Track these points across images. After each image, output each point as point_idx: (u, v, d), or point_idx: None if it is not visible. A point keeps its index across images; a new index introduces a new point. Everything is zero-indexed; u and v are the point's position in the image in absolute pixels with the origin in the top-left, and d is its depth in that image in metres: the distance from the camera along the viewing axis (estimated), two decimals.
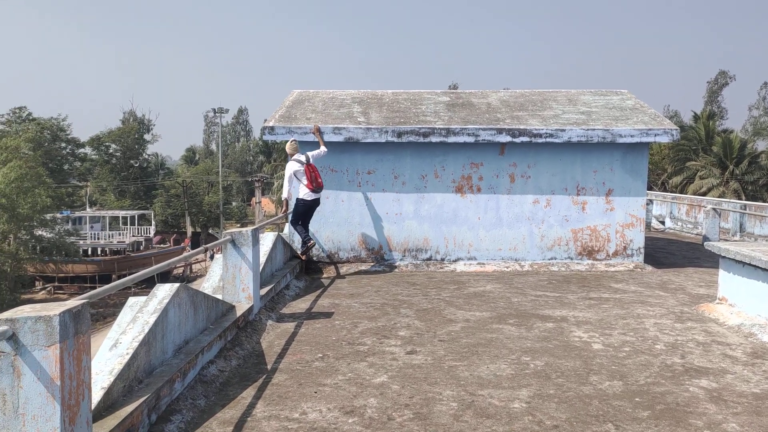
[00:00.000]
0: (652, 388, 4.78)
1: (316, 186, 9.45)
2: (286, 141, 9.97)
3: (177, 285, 4.76)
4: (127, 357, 3.89)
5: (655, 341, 6.03)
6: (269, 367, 5.30)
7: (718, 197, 37.03)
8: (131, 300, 5.57)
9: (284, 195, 9.87)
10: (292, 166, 9.59)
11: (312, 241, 9.73)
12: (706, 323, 6.75)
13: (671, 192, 43.01)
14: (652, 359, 5.48)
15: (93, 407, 3.40)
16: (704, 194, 41.51)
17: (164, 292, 4.63)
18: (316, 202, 9.72)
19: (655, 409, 4.38)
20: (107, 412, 3.57)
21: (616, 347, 5.83)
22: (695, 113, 54.37)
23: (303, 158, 9.54)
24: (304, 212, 9.70)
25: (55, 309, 2.97)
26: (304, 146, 9.98)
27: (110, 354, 3.96)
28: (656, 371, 5.17)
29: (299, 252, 9.94)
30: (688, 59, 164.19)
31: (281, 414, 4.27)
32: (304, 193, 9.55)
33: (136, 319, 4.34)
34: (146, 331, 4.18)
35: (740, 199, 39.32)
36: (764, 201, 40.49)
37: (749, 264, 6.43)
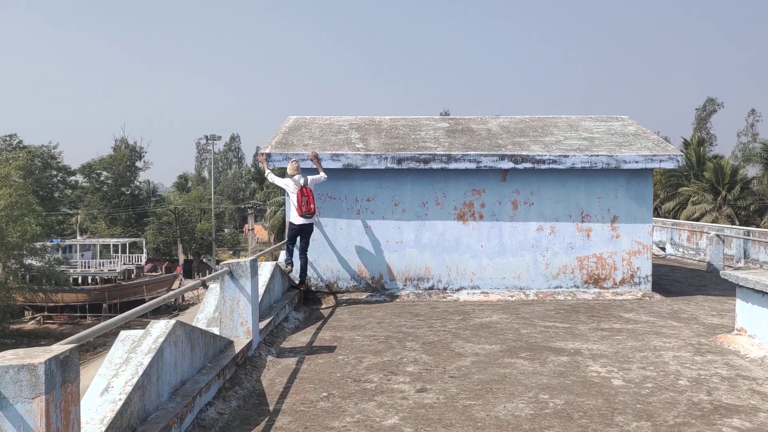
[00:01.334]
0: (683, 429, 4.48)
1: (305, 211, 9.20)
2: (284, 167, 9.75)
3: (173, 322, 4.44)
4: (120, 403, 3.56)
5: (677, 376, 5.73)
6: (271, 408, 4.95)
7: (712, 222, 37.03)
8: (123, 334, 5.23)
9: (269, 174, 9.76)
10: (287, 183, 9.38)
11: (289, 267, 9.53)
12: (727, 356, 6.46)
13: (665, 217, 43.03)
14: (677, 396, 5.18)
15: None
16: (697, 219, 41.54)
17: (159, 329, 4.31)
18: (306, 227, 9.46)
19: None
20: None
21: (638, 383, 5.53)
22: (685, 140, 54.72)
23: (301, 181, 9.30)
24: (292, 237, 9.51)
25: (40, 356, 2.65)
26: (302, 173, 9.72)
27: (101, 400, 3.62)
28: (684, 410, 4.87)
29: (297, 282, 9.64)
30: (676, 87, 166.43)
31: None
32: (293, 216, 9.36)
33: (129, 360, 4.01)
34: (140, 373, 3.85)
35: (734, 224, 39.37)
36: (757, 226, 40.55)
37: None
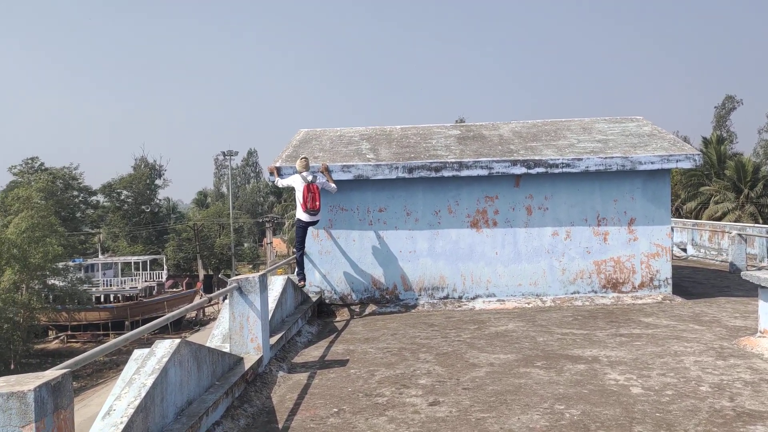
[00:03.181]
0: None
1: (310, 208, 9.22)
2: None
3: (177, 341, 4.38)
4: (122, 427, 3.49)
5: (698, 382, 5.55)
6: (280, 426, 4.87)
7: (735, 221, 36.36)
8: (136, 353, 5.18)
9: (280, 180, 9.75)
10: (295, 179, 9.41)
11: (302, 283, 9.56)
12: (750, 359, 6.25)
13: (686, 218, 42.38)
14: (698, 403, 5.00)
15: None
16: (720, 219, 40.86)
17: (163, 349, 4.26)
18: (313, 224, 9.57)
19: None
20: None
21: (658, 391, 5.35)
22: (705, 138, 53.93)
23: (309, 177, 9.28)
24: (301, 237, 9.55)
25: (30, 383, 2.60)
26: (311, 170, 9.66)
27: (102, 424, 3.57)
28: (705, 417, 4.70)
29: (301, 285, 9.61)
30: (694, 85, 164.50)
31: None
32: (300, 213, 9.40)
33: (133, 381, 3.96)
34: (143, 395, 3.79)
35: (757, 222, 38.61)
36: None
37: None
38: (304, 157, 9.50)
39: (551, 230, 10.06)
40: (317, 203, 9.22)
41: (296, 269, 9.66)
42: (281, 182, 9.75)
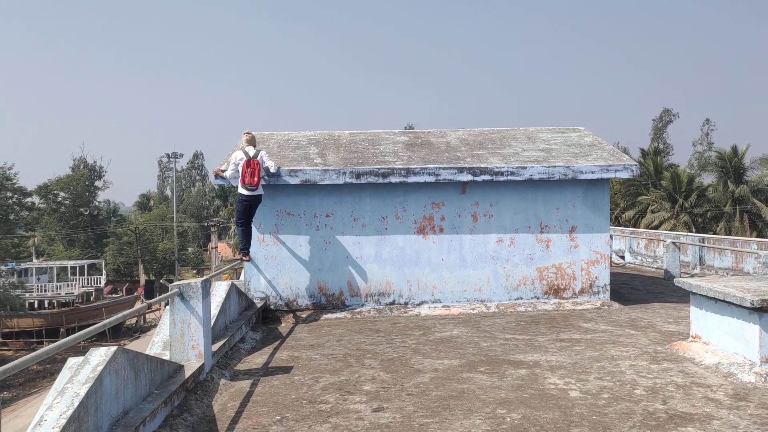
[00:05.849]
0: None
1: (248, 183, 9.17)
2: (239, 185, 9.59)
3: (113, 348, 4.24)
4: None
5: (633, 385, 5.73)
6: None
7: (670, 230, 37.88)
8: (71, 361, 4.99)
9: (225, 172, 9.55)
10: (236, 155, 9.35)
11: (248, 257, 9.60)
12: (682, 363, 6.51)
13: (625, 226, 43.91)
14: (633, 406, 5.16)
15: None
16: (656, 227, 42.52)
17: (99, 357, 4.11)
18: (255, 199, 9.40)
19: None
20: None
21: (595, 394, 5.50)
22: (643, 150, 56.14)
23: (251, 152, 9.27)
24: (243, 209, 9.42)
25: None
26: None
27: None
28: (639, 420, 4.85)
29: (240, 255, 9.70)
30: (634, 98, 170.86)
31: None
32: (240, 188, 9.33)
33: (65, 390, 3.80)
34: (76, 404, 3.64)
35: (691, 231, 40.37)
36: (714, 233, 41.68)
37: (722, 300, 6.25)
38: (249, 132, 9.63)
39: (496, 237, 10.24)
40: (255, 179, 9.16)
41: (239, 243, 9.65)
42: (228, 173, 9.51)
